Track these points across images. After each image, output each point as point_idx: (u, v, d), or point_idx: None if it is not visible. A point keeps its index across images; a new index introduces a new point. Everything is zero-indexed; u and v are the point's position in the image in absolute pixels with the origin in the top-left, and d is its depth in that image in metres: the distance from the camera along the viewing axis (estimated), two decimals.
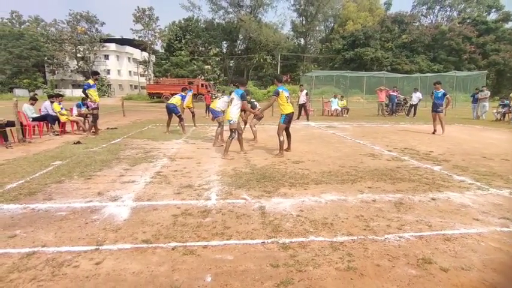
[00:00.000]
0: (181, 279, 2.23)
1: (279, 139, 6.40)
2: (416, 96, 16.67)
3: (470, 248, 2.72)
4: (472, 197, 4.01)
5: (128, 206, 3.61)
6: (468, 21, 45.69)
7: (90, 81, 8.70)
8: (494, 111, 15.29)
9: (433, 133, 9.78)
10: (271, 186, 4.34)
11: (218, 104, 7.47)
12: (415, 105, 16.78)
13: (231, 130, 6.22)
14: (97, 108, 8.86)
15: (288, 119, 6.46)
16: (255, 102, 7.94)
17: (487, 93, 15.57)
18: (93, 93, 8.66)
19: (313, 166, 5.55)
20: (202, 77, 43.36)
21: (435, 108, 9.73)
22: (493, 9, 49.64)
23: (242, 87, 6.39)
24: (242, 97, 6.18)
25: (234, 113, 6.18)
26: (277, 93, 6.35)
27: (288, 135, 6.85)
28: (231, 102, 6.33)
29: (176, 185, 4.37)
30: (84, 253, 2.56)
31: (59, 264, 2.40)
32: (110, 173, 4.98)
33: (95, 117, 8.90)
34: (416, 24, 48.82)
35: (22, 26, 53.78)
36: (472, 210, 3.56)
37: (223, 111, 7.29)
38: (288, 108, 6.38)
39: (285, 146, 6.70)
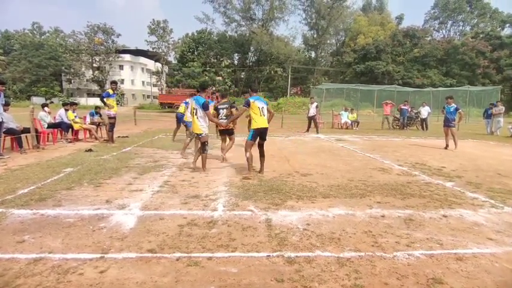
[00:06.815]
0: None
1: (246, 155, 5.49)
2: (425, 110, 16.85)
3: (483, 269, 2.61)
4: (486, 215, 3.89)
5: (134, 214, 3.63)
6: (482, 35, 45.22)
7: (110, 91, 8.85)
8: (509, 126, 14.93)
9: (446, 148, 9.60)
10: (279, 198, 4.31)
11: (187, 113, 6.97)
12: (425, 119, 16.94)
13: (203, 144, 5.73)
14: (114, 117, 9.02)
15: (256, 134, 5.48)
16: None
17: (501, 108, 15.31)
18: (112, 102, 8.83)
19: (322, 179, 5.50)
20: (214, 88, 43.95)
21: (447, 123, 9.60)
22: (507, 24, 49.18)
23: (203, 93, 5.54)
24: (204, 107, 5.40)
25: (202, 125, 5.55)
26: (247, 104, 5.44)
27: (262, 154, 5.78)
28: (196, 113, 5.64)
29: (183, 195, 4.38)
30: (89, 261, 2.58)
31: (64, 271, 2.41)
32: (118, 181, 5.04)
33: (112, 126, 9.07)
34: (428, 38, 48.58)
35: (42, 37, 55.95)
36: (486, 229, 3.44)
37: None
38: (260, 122, 5.44)
39: (260, 167, 5.81)
